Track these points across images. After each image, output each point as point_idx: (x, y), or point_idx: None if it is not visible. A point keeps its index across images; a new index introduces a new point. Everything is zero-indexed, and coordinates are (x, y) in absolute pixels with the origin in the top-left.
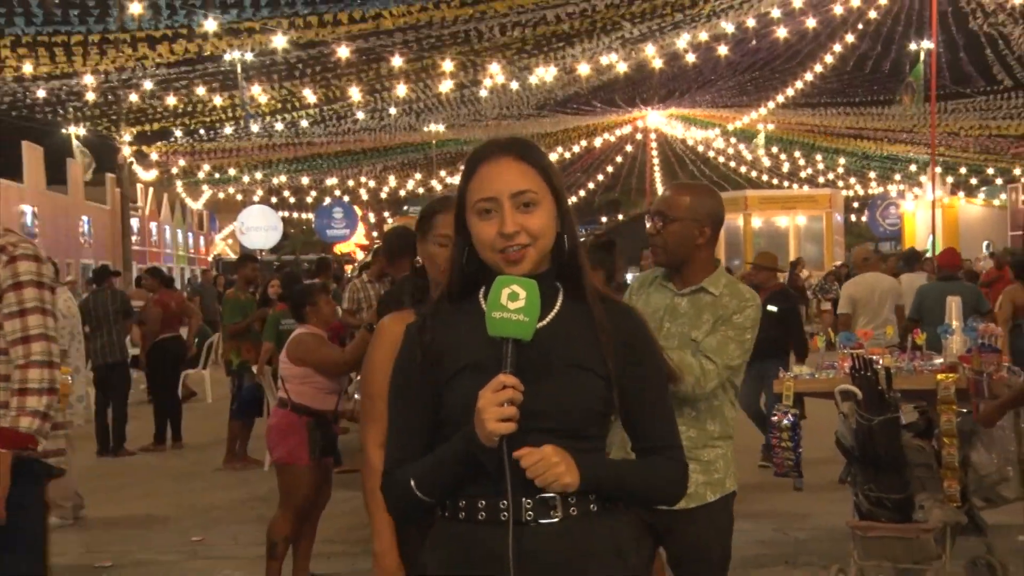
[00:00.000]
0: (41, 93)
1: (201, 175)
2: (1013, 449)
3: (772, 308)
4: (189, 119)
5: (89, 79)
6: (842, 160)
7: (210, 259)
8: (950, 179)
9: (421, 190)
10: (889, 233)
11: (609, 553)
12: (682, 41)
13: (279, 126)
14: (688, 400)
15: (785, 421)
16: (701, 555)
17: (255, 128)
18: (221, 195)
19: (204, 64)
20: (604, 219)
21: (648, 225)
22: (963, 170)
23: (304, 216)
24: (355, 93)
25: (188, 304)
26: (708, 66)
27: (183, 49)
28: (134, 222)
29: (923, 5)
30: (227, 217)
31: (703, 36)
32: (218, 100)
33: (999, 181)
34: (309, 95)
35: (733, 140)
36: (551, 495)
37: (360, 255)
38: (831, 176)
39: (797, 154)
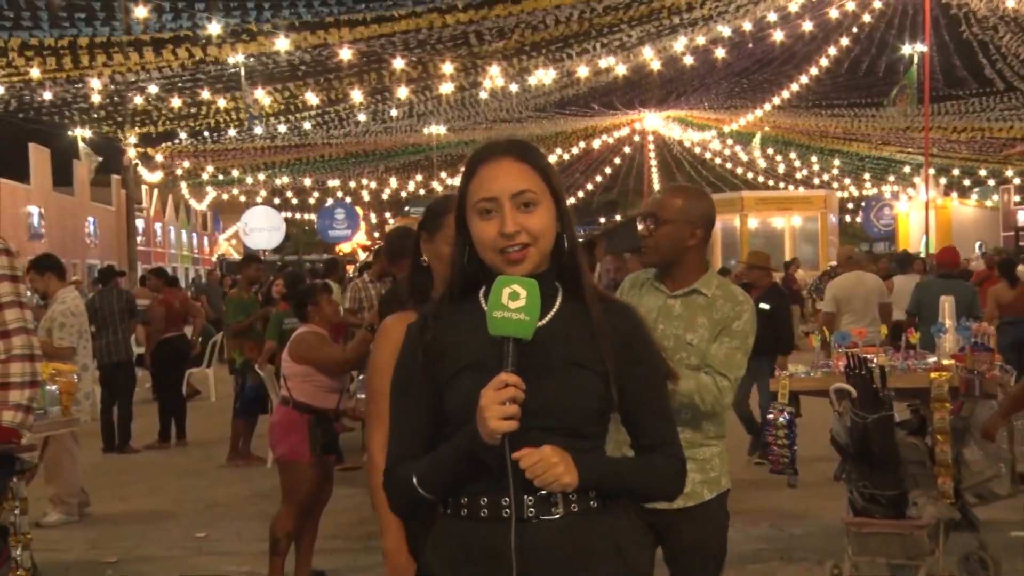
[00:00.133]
0: (47, 96)
1: (205, 176)
2: (1005, 447)
3: (764, 306)
4: (193, 121)
5: (95, 83)
6: (837, 161)
7: (214, 259)
8: (943, 180)
9: (422, 191)
10: (883, 234)
11: (609, 550)
12: (679, 44)
13: (282, 128)
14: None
15: (781, 419)
16: (699, 552)
17: (258, 130)
18: (225, 196)
19: (208, 67)
20: (602, 219)
21: (640, 227)
22: (956, 171)
23: (307, 217)
24: (357, 95)
25: (192, 303)
26: (705, 69)
27: (187, 52)
28: (139, 223)
29: (916, 9)
30: (231, 218)
31: (700, 40)
32: (222, 103)
33: (991, 182)
34: (312, 97)
35: (730, 142)
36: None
37: (362, 255)
38: (826, 177)
39: (793, 155)
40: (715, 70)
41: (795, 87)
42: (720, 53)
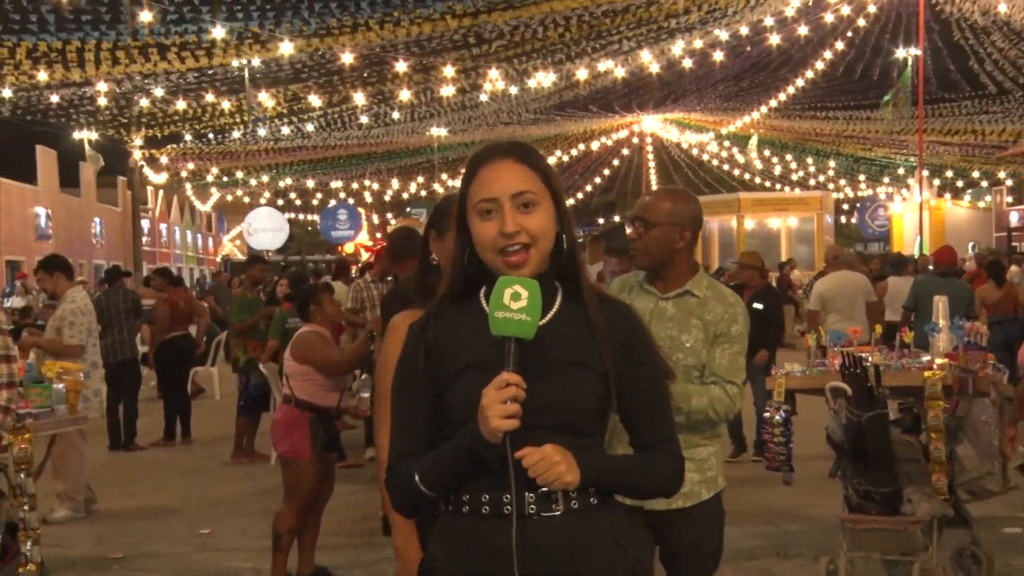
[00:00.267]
0: (54, 99)
1: (210, 178)
2: (997, 444)
3: (757, 305)
4: (198, 123)
5: (101, 86)
6: (832, 163)
7: (218, 259)
8: (937, 182)
9: (423, 193)
10: (878, 234)
11: (609, 546)
12: (677, 48)
13: (285, 130)
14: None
15: (777, 417)
16: (698, 550)
17: (262, 132)
18: (229, 197)
19: (213, 70)
20: (601, 220)
21: (629, 231)
22: (949, 173)
23: (310, 217)
24: (359, 98)
25: (197, 303)
26: (702, 71)
27: (192, 56)
28: (144, 224)
29: (911, 13)
30: (235, 219)
31: (697, 43)
32: (226, 105)
33: (984, 184)
34: (315, 100)
35: (727, 144)
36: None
37: (365, 256)
38: (822, 179)
39: (789, 157)
40: (712, 73)
41: (791, 90)
42: (718, 56)
